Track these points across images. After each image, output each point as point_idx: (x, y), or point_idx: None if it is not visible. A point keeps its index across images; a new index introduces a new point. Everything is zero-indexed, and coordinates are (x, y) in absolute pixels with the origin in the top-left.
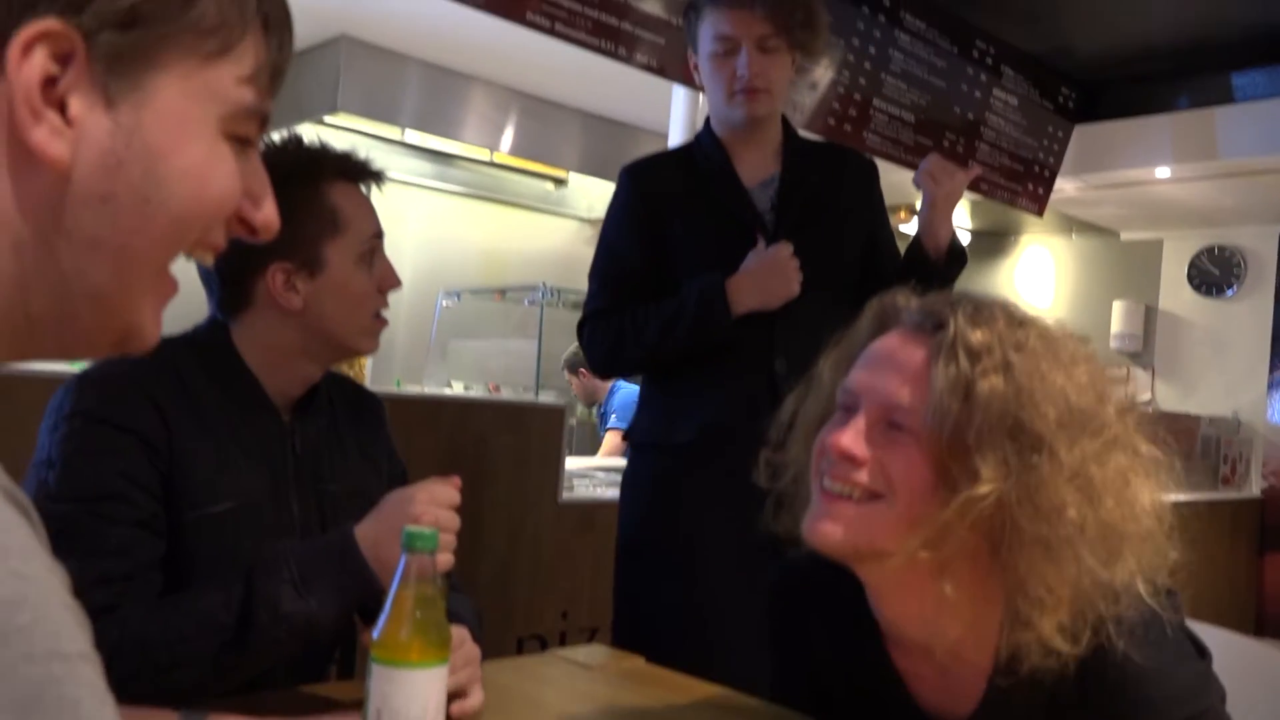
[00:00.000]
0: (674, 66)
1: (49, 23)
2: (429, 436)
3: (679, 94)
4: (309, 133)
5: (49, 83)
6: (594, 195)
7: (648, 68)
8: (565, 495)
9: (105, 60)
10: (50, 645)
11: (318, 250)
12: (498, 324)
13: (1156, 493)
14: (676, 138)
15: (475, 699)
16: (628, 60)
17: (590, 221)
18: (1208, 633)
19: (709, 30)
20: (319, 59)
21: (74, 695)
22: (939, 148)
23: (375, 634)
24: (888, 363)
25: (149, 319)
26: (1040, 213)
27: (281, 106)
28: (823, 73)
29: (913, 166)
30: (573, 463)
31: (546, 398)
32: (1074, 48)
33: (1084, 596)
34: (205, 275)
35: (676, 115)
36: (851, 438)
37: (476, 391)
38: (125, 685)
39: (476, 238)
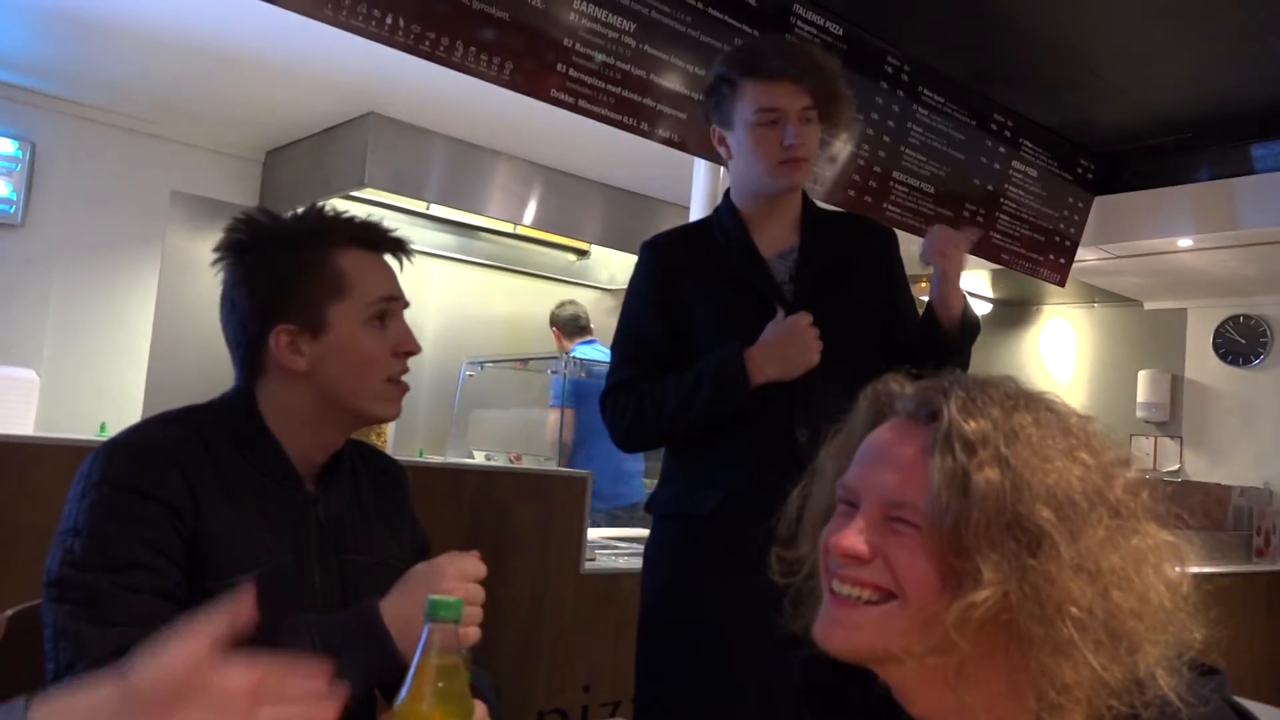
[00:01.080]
0: (695, 140)
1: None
2: (452, 506)
3: (700, 167)
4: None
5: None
6: (615, 266)
7: (669, 142)
8: (587, 565)
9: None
10: None
11: (321, 312)
12: (520, 393)
13: (1173, 571)
14: (698, 210)
15: None
16: (649, 135)
17: (612, 292)
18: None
19: (750, 103)
20: (348, 135)
21: None
22: (959, 218)
23: (397, 704)
24: (884, 457)
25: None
26: (1062, 283)
27: (310, 181)
28: (842, 146)
29: None
30: (595, 533)
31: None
32: (1093, 120)
33: (1105, 692)
34: (229, 342)
35: (698, 188)
36: (853, 537)
37: (498, 461)
38: None
39: (500, 308)
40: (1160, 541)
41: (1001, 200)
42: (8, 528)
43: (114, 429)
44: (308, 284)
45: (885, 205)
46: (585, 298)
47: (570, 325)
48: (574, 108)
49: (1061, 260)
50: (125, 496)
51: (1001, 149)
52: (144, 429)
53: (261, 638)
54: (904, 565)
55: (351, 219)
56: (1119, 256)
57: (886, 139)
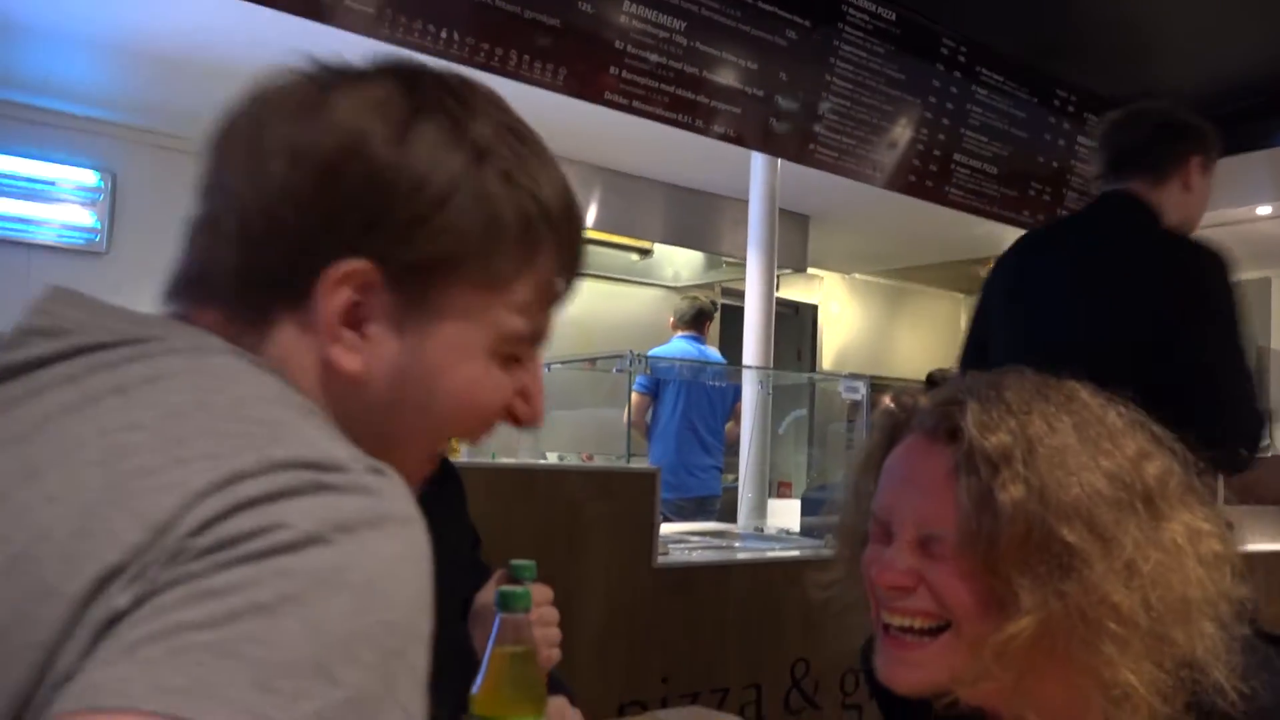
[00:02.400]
0: (751, 134)
1: (358, 264)
2: (524, 506)
3: (757, 160)
4: None
5: (353, 307)
6: (679, 263)
7: (725, 137)
8: (660, 560)
9: (403, 296)
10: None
11: None
12: (589, 393)
13: (1214, 549)
14: (756, 203)
15: None
16: (705, 131)
17: (676, 289)
18: None
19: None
20: None
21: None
22: (1024, 198)
23: (474, 691)
24: (910, 480)
25: (412, 480)
26: None
27: None
28: (901, 131)
29: (998, 219)
30: (667, 528)
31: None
32: (1160, 90)
33: (1167, 679)
34: None
35: (756, 181)
36: (894, 572)
37: (571, 461)
38: None
39: (566, 310)
40: (1197, 526)
41: (1068, 177)
42: None
43: None
44: None
45: (947, 189)
46: (649, 296)
47: (678, 313)
48: (628, 109)
49: None
50: None
51: (1066, 125)
52: None
53: None
54: (947, 591)
55: None
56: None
57: (945, 121)
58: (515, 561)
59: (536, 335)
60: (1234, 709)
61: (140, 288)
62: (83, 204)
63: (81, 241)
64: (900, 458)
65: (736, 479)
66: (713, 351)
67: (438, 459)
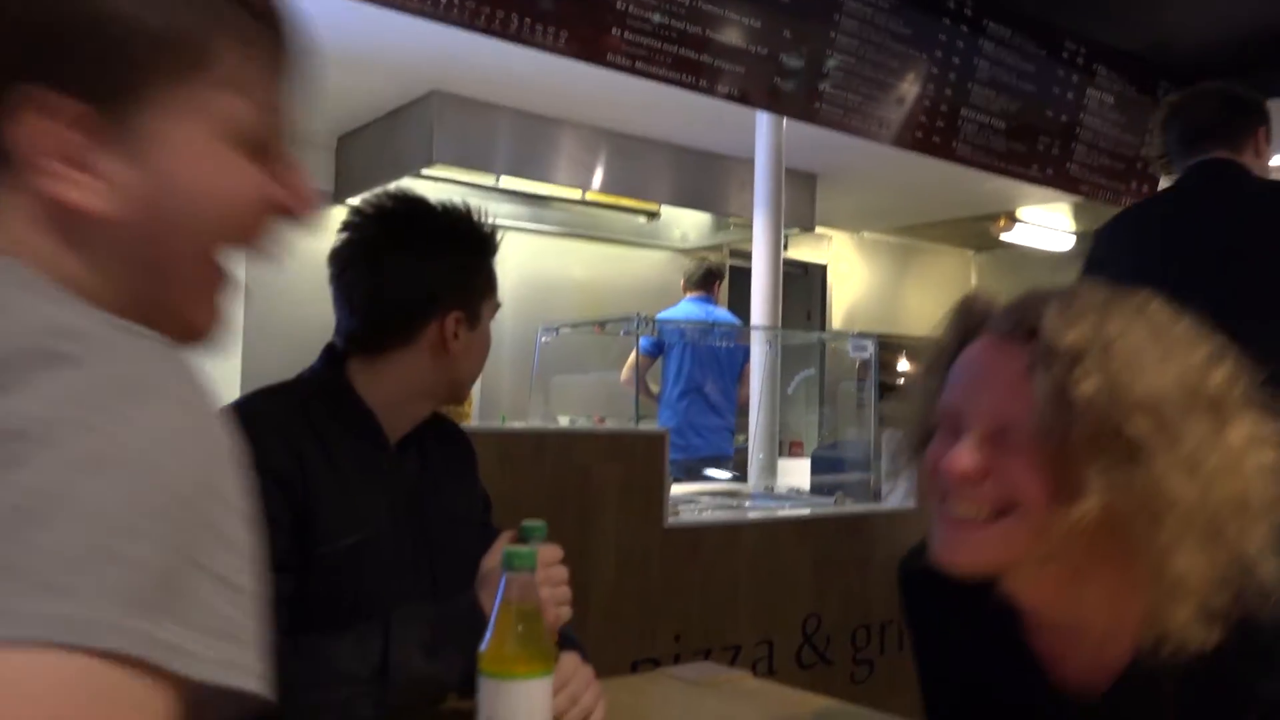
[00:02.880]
0: (755, 93)
1: (47, 95)
2: (534, 469)
3: (762, 120)
4: (408, 185)
5: (69, 147)
6: (686, 225)
7: (730, 97)
8: (671, 520)
9: (109, 114)
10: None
11: (479, 307)
12: (598, 357)
13: (1273, 456)
14: (762, 163)
15: (600, 714)
16: (709, 91)
17: (684, 251)
18: None
19: None
20: (413, 115)
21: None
22: (1033, 153)
23: (482, 648)
24: (985, 376)
25: (204, 314)
26: None
27: (380, 163)
28: (907, 87)
29: (1006, 174)
30: (678, 488)
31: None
32: (1171, 41)
33: (1215, 580)
34: (358, 310)
35: (761, 142)
36: (965, 458)
37: (583, 424)
38: None
39: (573, 274)
40: (1258, 434)
41: (1077, 130)
42: None
43: None
44: (481, 279)
45: (955, 144)
46: (657, 259)
47: (688, 274)
48: (631, 70)
49: (1145, 188)
50: None
51: (1074, 77)
52: (247, 402)
53: (364, 600)
54: (1016, 481)
55: (494, 226)
56: None
57: (952, 76)
58: (525, 523)
59: (271, 121)
60: (1273, 613)
61: None
62: None
63: None
64: (974, 356)
65: (743, 439)
66: (722, 312)
67: (225, 275)
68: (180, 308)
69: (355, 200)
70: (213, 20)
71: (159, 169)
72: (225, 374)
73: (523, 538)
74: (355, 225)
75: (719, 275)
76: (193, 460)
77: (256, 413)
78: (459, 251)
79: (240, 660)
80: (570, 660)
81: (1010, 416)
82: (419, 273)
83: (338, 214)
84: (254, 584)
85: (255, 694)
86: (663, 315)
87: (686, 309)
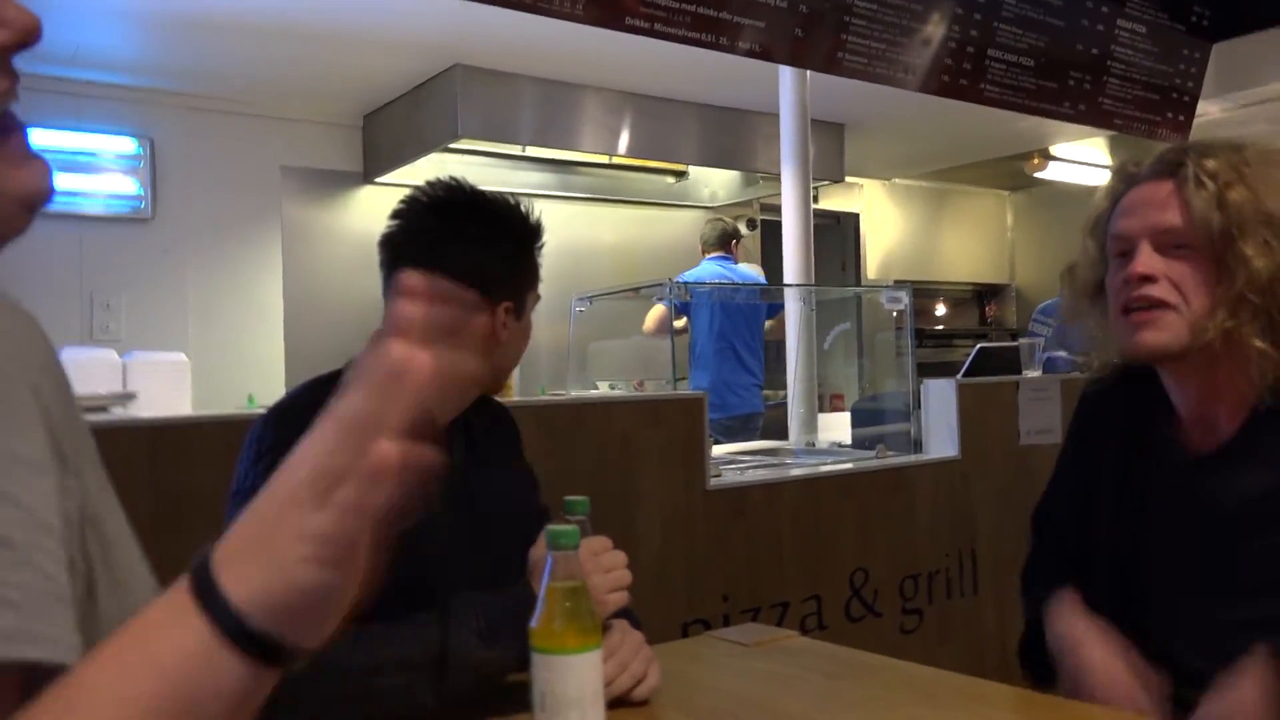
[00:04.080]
0: (778, 48)
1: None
2: (576, 439)
3: (786, 74)
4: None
5: None
6: (716, 183)
7: (751, 53)
8: (713, 482)
9: None
10: None
11: (524, 298)
12: (635, 322)
13: None
14: (787, 117)
15: (654, 678)
16: (731, 49)
17: (713, 209)
18: None
19: None
20: (437, 90)
21: None
22: (1064, 89)
23: (532, 625)
24: (1148, 203)
25: (28, 178)
26: (1184, 140)
27: (407, 139)
28: (932, 30)
29: (1037, 113)
30: (718, 449)
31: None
32: None
33: None
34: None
35: (785, 96)
36: (1145, 262)
37: (622, 390)
38: (319, 710)
39: (604, 238)
40: None
41: (1109, 63)
42: (186, 500)
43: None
44: (528, 271)
45: (983, 86)
46: (688, 218)
47: (706, 235)
48: (651, 32)
49: (1180, 117)
50: None
51: (1104, 9)
52: (304, 393)
53: (419, 583)
54: (1185, 280)
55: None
56: (1245, 105)
57: (977, 16)
58: (568, 498)
59: None
60: None
61: (187, 250)
62: (124, 172)
63: (128, 209)
64: (1132, 195)
65: (783, 395)
66: (744, 270)
67: (28, 166)
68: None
69: (385, 178)
70: None
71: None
72: (269, 354)
73: (566, 512)
74: (408, 214)
75: (735, 235)
76: None
77: (312, 402)
78: (511, 244)
79: (8, 627)
80: (619, 627)
81: (1176, 225)
82: (475, 264)
83: (368, 193)
84: (28, 533)
85: (47, 663)
86: (685, 276)
87: (709, 269)
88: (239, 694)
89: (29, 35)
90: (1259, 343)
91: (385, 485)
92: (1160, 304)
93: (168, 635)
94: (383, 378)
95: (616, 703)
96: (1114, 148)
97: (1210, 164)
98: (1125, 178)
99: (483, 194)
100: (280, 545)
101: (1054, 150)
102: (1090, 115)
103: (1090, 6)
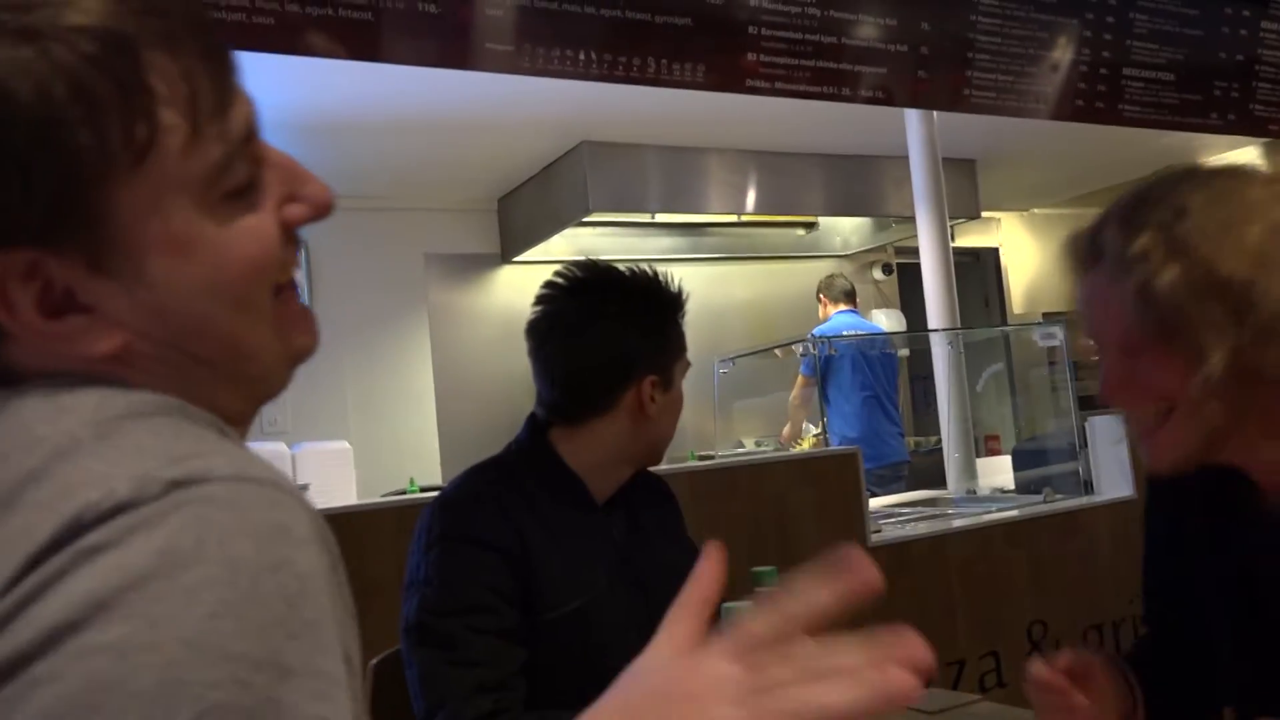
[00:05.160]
0: (900, 92)
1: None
2: (729, 503)
3: (911, 117)
4: (569, 236)
5: (40, 300)
6: (847, 231)
7: (874, 100)
8: (874, 538)
9: (69, 239)
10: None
11: (672, 370)
12: (777, 378)
13: None
14: (917, 158)
15: None
16: (852, 98)
17: (846, 257)
18: None
19: None
20: (566, 168)
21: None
22: (1210, 100)
23: None
24: (1086, 309)
25: (300, 337)
26: None
27: (540, 218)
28: (1060, 55)
29: (1183, 128)
30: (875, 503)
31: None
32: None
33: None
34: (557, 382)
35: (913, 136)
36: (1108, 385)
37: (768, 446)
38: None
39: (739, 296)
40: None
41: (1257, 68)
42: (358, 587)
43: (421, 480)
44: (672, 343)
45: (1121, 107)
46: (820, 268)
47: (832, 290)
48: (772, 91)
49: None
50: (465, 547)
51: (1245, 12)
52: (466, 481)
53: (591, 661)
54: (1152, 380)
55: (681, 289)
56: None
57: (1108, 36)
58: (755, 569)
59: (240, 136)
60: None
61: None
62: None
63: None
64: (1076, 295)
65: (935, 442)
66: (870, 323)
67: (293, 311)
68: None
69: (522, 256)
70: (132, 89)
71: (150, 274)
72: (424, 436)
73: (755, 584)
74: (550, 298)
75: (854, 290)
76: (244, 615)
77: (475, 491)
78: (650, 317)
79: None
80: None
81: (1115, 332)
82: (614, 342)
83: (505, 273)
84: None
85: None
86: (820, 331)
87: (845, 321)
88: None
89: (323, 211)
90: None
91: None
92: (1153, 411)
93: None
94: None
95: None
96: (1269, 152)
97: (1138, 242)
98: (1071, 261)
99: (619, 271)
100: None
101: (1205, 161)
102: (1242, 124)
103: (1229, 13)
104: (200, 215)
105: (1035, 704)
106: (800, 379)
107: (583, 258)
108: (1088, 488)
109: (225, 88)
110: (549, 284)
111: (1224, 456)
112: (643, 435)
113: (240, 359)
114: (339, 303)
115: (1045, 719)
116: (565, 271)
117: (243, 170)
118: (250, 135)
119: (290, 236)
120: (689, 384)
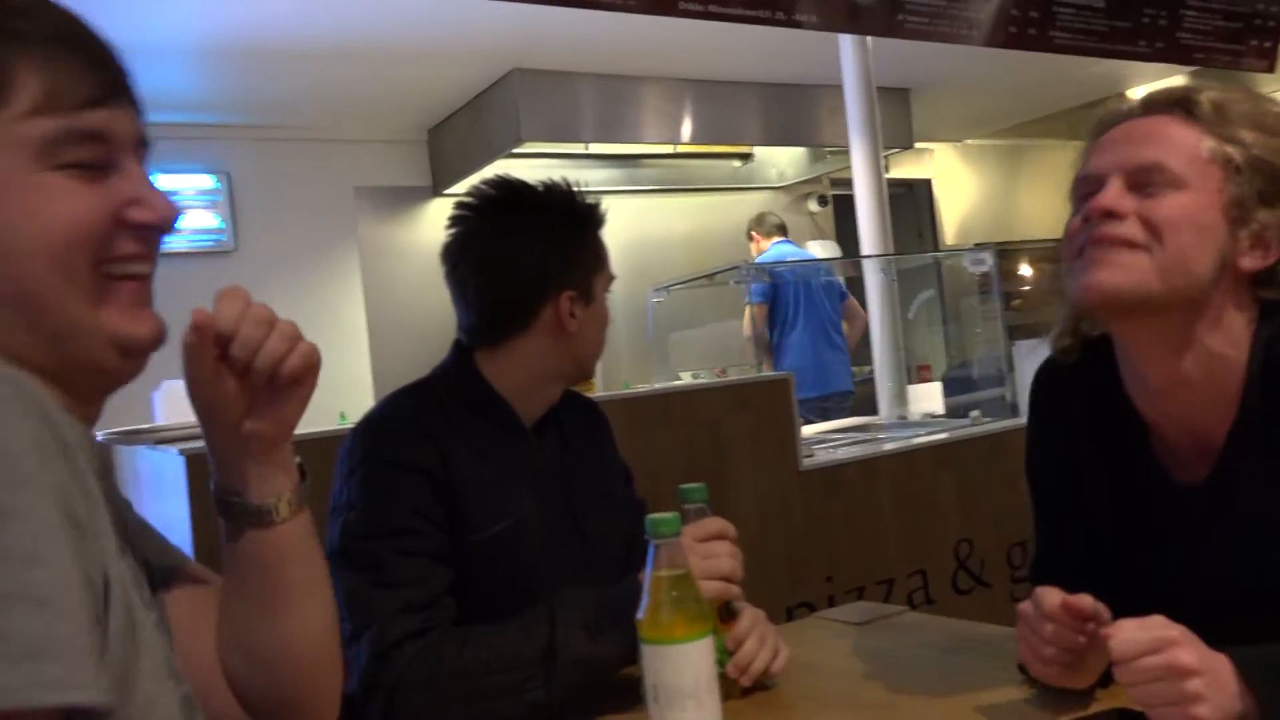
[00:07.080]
0: (835, 17)
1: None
2: (665, 429)
3: (846, 43)
4: (501, 167)
5: None
6: (782, 163)
7: (808, 25)
8: (806, 463)
9: None
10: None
11: (591, 282)
12: (712, 309)
13: None
14: (851, 87)
15: (783, 656)
16: (786, 23)
17: (782, 189)
18: None
19: None
20: (498, 97)
21: None
22: (1138, 27)
23: (639, 616)
24: (1126, 138)
25: (123, 323)
26: (1271, 68)
27: (472, 148)
28: None
29: (1112, 55)
30: (808, 429)
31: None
32: None
33: None
34: (473, 304)
35: (848, 65)
36: (1110, 195)
37: (705, 378)
38: (433, 713)
39: (675, 228)
40: None
41: None
42: None
43: (351, 415)
44: (588, 256)
45: (1052, 34)
46: (756, 200)
47: (764, 226)
48: (706, 15)
49: (1266, 43)
50: (388, 469)
51: None
52: (389, 405)
53: (519, 581)
54: (1166, 220)
55: (595, 201)
56: None
57: None
58: (683, 486)
59: (88, 130)
60: None
61: (271, 277)
62: (206, 207)
63: (211, 244)
64: (1110, 133)
65: (869, 370)
66: (805, 252)
67: (128, 288)
68: (81, 327)
69: (453, 189)
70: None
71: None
72: (357, 371)
73: (682, 501)
74: (461, 219)
75: (784, 225)
76: None
77: (398, 414)
78: (564, 230)
79: (52, 676)
80: (749, 609)
81: (1157, 159)
82: (526, 259)
83: (437, 206)
84: (59, 588)
85: (87, 706)
86: (763, 259)
87: (784, 250)
88: None
89: (163, 221)
90: (1210, 338)
91: None
92: (1125, 243)
93: None
94: None
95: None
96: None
97: (1221, 98)
98: (1104, 120)
99: (531, 186)
100: None
101: (1132, 93)
102: (1169, 52)
103: None
104: (33, 169)
105: (1021, 634)
106: (750, 309)
107: (497, 175)
108: (1014, 410)
109: (86, 90)
110: (460, 204)
111: (1132, 329)
112: (567, 352)
113: (35, 310)
114: (266, 236)
115: (1032, 650)
116: (476, 190)
117: (85, 152)
118: (108, 137)
119: (135, 234)
120: (626, 314)
